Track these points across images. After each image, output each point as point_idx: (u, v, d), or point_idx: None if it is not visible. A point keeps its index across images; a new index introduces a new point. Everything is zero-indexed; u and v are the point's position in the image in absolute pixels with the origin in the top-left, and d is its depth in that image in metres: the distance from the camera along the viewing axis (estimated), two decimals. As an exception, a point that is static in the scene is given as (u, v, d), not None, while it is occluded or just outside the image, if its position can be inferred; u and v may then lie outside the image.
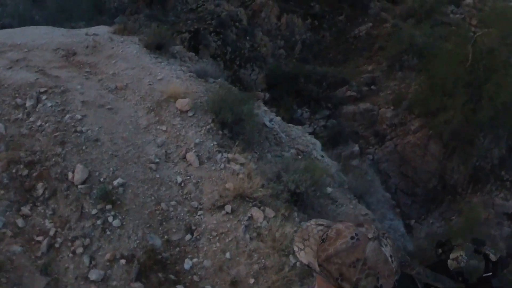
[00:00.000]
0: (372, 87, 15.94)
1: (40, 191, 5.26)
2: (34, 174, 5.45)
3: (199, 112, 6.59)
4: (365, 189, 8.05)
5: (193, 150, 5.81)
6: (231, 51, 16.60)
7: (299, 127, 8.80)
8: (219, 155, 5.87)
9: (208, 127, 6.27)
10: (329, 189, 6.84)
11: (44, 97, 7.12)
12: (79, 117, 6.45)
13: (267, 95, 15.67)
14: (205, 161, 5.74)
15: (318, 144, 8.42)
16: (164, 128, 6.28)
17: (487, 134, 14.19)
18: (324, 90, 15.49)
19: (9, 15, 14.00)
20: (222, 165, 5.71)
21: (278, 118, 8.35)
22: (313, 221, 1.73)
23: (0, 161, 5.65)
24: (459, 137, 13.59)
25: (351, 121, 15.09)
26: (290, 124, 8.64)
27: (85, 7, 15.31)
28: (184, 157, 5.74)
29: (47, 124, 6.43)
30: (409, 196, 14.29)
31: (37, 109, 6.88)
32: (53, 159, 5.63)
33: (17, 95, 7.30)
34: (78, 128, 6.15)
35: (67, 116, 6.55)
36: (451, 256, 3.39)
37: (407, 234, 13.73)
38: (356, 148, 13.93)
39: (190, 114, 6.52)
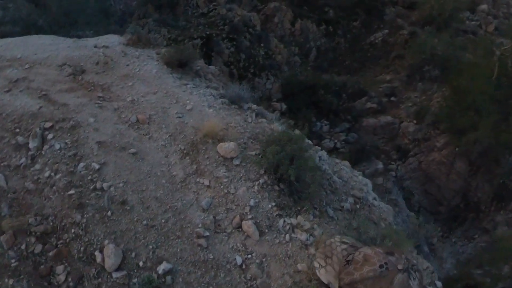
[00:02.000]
0: (392, 98, 14.64)
1: (62, 278, 3.84)
2: (51, 253, 4.01)
3: (247, 159, 5.18)
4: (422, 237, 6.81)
5: (249, 216, 4.42)
6: (245, 58, 15.09)
7: (346, 163, 7.44)
8: (280, 221, 4.49)
9: (261, 181, 4.87)
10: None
11: (50, 135, 5.55)
12: (97, 166, 4.95)
13: (284, 106, 14.27)
14: (266, 230, 4.36)
15: (369, 184, 7.11)
16: (206, 182, 4.86)
17: (512, 152, 13.05)
18: (344, 101, 14.14)
19: (11, 20, 12.30)
20: (287, 236, 4.34)
21: (324, 153, 6.98)
22: (337, 238, 1.78)
23: (5, 233, 4.20)
24: (486, 155, 12.42)
25: (371, 135, 13.79)
26: (336, 160, 7.27)
27: (91, 12, 13.61)
28: (239, 226, 4.36)
29: (57, 176, 4.91)
30: (432, 214, 13.12)
31: (43, 152, 5.31)
32: (72, 231, 4.19)
33: (17, 129, 5.70)
34: (98, 184, 4.67)
35: (82, 164, 5.03)
36: None
37: (430, 253, 12.67)
38: (380, 165, 12.66)
39: (236, 162, 5.11)
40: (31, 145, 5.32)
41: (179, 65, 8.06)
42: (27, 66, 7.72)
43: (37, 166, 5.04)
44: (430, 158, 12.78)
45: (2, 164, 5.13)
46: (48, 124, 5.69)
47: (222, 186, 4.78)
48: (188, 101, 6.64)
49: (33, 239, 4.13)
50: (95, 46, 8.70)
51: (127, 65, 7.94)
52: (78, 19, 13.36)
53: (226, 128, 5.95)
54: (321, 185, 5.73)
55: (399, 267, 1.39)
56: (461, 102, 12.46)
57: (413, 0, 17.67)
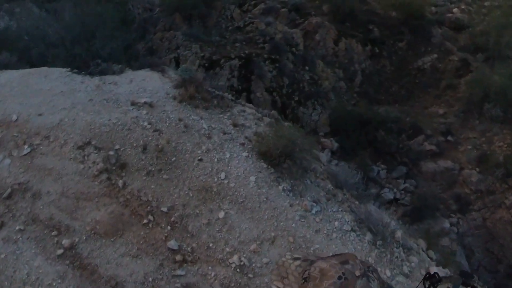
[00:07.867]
0: (449, 137, 12.20)
1: None
2: None
3: None
4: None
5: None
6: (289, 83, 12.07)
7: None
8: None
9: None
10: None
11: None
12: None
13: (335, 143, 11.55)
14: None
15: None
16: None
17: None
18: (402, 142, 11.59)
19: (17, 33, 8.84)
20: None
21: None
22: (288, 255, 1.46)
23: None
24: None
25: (429, 181, 11.43)
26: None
27: (110, 24, 10.07)
28: None
29: None
30: (490, 273, 11.19)
31: None
32: None
33: None
34: None
35: None
36: None
37: (485, 312, 10.80)
38: (447, 224, 10.37)
39: None
40: None
41: (282, 158, 5.16)
42: (27, 148, 4.58)
43: None
44: (497, 216, 10.61)
45: None
46: None
47: None
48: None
49: None
50: (133, 104, 5.54)
51: (200, 159, 4.87)
52: (95, 32, 9.82)
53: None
54: None
55: (357, 273, 1.28)
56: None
57: (461, 22, 14.93)
